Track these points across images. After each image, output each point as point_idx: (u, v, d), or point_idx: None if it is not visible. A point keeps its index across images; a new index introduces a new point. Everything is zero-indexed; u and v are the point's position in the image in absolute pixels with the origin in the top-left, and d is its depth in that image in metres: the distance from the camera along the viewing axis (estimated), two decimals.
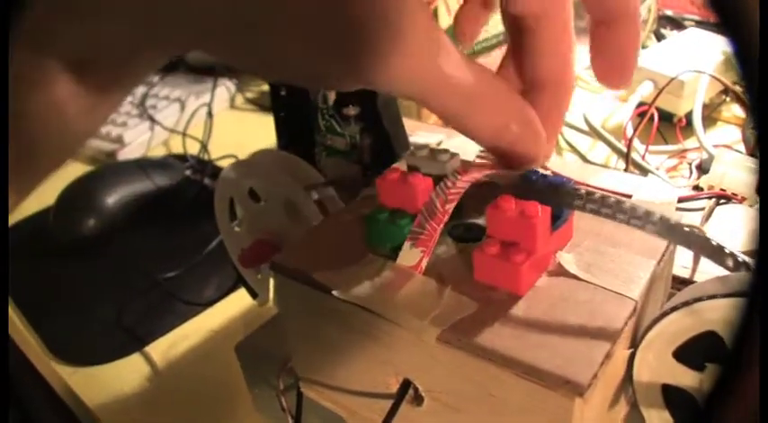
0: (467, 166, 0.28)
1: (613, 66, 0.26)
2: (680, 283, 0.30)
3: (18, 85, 0.18)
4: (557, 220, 0.25)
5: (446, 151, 0.28)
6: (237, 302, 0.48)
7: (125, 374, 0.45)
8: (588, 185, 0.34)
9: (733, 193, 0.38)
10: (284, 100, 0.39)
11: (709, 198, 0.36)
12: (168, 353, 0.46)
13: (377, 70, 0.21)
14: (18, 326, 0.49)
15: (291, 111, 0.39)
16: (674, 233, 0.22)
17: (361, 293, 0.25)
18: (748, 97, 0.14)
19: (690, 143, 0.54)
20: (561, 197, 0.24)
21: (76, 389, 0.44)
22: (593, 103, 0.62)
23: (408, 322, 0.24)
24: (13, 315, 0.50)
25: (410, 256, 0.25)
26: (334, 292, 0.25)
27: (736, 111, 0.60)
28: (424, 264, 0.25)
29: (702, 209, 0.35)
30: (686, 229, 0.22)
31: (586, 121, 0.56)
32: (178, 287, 0.50)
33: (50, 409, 0.46)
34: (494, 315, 0.23)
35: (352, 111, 0.36)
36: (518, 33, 0.27)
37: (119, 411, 0.42)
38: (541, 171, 0.27)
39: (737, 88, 0.53)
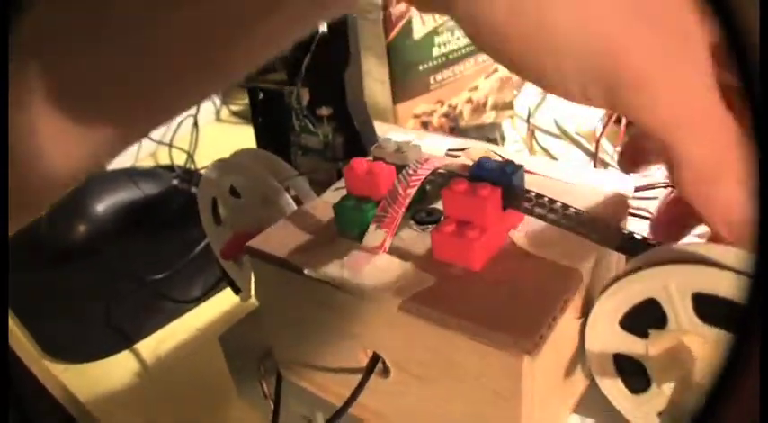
0: (428, 156, 0.30)
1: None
2: None
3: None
4: (508, 200, 0.27)
5: (408, 143, 0.30)
6: (222, 302, 0.50)
7: (116, 370, 0.46)
8: (538, 175, 0.36)
9: None
10: (262, 104, 0.41)
11: (665, 187, 0.39)
12: (157, 349, 0.48)
13: None
14: (10, 324, 0.51)
15: (269, 114, 0.41)
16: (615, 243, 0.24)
17: (330, 271, 0.27)
18: (745, 84, 0.14)
19: None
20: (512, 199, 0.26)
21: (68, 385, 0.46)
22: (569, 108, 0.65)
23: (372, 294, 0.26)
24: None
25: (375, 237, 0.27)
26: (306, 271, 0.27)
27: None
28: (387, 244, 0.27)
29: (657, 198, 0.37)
30: (625, 237, 0.24)
31: (556, 123, 0.58)
32: (166, 288, 0.51)
33: (42, 405, 0.48)
34: (451, 287, 0.25)
35: (324, 111, 0.38)
36: None
37: (110, 405, 0.44)
38: (495, 159, 0.29)
39: None
